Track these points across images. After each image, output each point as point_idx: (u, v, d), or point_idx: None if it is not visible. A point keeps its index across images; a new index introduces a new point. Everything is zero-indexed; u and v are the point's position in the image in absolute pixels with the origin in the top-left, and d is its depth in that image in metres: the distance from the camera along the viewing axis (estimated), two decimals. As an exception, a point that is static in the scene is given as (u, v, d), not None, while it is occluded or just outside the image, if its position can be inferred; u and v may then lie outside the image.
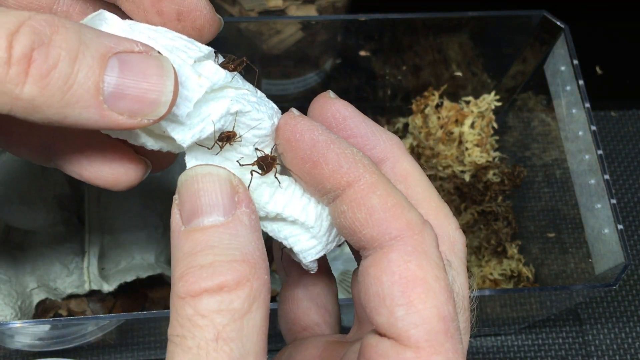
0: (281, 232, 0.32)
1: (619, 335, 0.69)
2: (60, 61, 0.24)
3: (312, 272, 0.34)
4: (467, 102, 0.74)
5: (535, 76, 0.67)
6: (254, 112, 0.30)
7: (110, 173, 0.34)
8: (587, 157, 0.57)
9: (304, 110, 0.34)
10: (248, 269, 0.26)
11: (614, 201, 0.53)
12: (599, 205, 0.54)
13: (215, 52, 0.32)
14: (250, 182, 0.31)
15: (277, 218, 0.32)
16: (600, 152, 0.55)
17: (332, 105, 0.32)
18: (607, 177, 0.54)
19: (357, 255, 0.35)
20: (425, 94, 0.74)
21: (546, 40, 0.63)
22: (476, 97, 0.74)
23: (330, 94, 0.32)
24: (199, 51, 0.30)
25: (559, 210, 0.66)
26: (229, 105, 0.29)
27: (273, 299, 0.62)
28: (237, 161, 0.31)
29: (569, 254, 0.63)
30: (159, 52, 0.27)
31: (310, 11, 0.67)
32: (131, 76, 0.26)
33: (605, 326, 0.69)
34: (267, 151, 0.31)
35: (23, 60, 0.24)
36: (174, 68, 0.27)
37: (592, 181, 0.56)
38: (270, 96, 0.33)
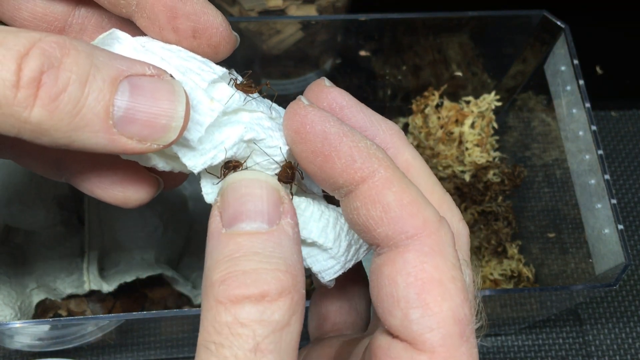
0: (305, 232, 0.32)
1: (619, 336, 0.69)
2: (70, 85, 0.24)
3: (329, 287, 0.33)
4: (467, 102, 0.74)
5: (535, 76, 0.67)
6: (268, 139, 0.29)
7: (121, 191, 0.33)
8: (587, 157, 0.57)
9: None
10: (291, 281, 0.25)
11: (614, 201, 0.53)
12: (599, 205, 0.54)
13: (229, 71, 0.31)
14: None
15: None
16: (600, 152, 0.55)
17: (327, 94, 0.30)
18: (607, 177, 0.54)
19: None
20: (425, 94, 0.74)
21: (546, 40, 0.63)
22: (476, 97, 0.74)
23: (325, 81, 0.31)
24: (212, 73, 0.29)
25: (559, 210, 0.66)
26: (242, 133, 0.29)
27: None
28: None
29: (569, 254, 0.63)
30: (171, 76, 0.27)
31: (310, 11, 0.67)
32: (142, 100, 0.25)
33: (606, 326, 0.69)
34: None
35: (32, 83, 0.23)
36: (185, 93, 0.26)
37: (593, 181, 0.55)
38: (270, 96, 0.33)
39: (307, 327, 0.39)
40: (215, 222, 0.27)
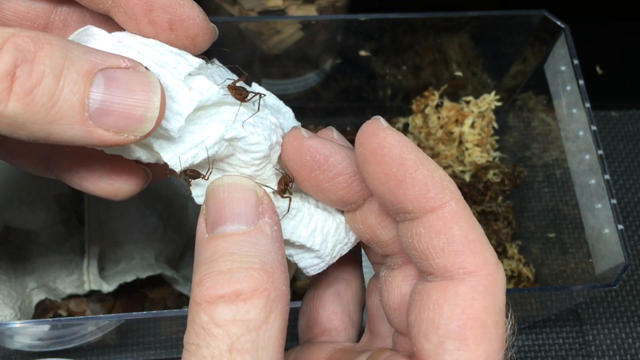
0: (286, 250, 0.33)
1: (619, 336, 0.69)
2: (44, 78, 0.24)
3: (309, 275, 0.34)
4: (467, 102, 0.74)
5: (535, 76, 0.67)
6: (249, 136, 0.29)
7: (109, 183, 0.33)
8: (587, 157, 0.57)
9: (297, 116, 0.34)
10: (265, 278, 0.25)
11: (614, 201, 0.53)
12: (599, 205, 0.54)
13: (211, 61, 0.31)
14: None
15: (285, 242, 0.32)
16: (600, 152, 0.55)
17: (309, 147, 0.30)
18: (607, 177, 0.54)
19: (376, 264, 0.34)
20: (426, 94, 0.74)
21: (546, 40, 0.63)
22: (476, 97, 0.74)
23: (302, 132, 0.30)
24: (189, 65, 0.29)
25: (559, 210, 0.66)
26: (223, 132, 0.29)
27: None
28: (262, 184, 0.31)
29: (569, 254, 0.63)
30: (146, 68, 0.27)
31: (310, 11, 0.67)
32: (117, 92, 0.26)
33: (606, 326, 0.69)
34: (267, 170, 0.31)
35: (6, 77, 0.23)
36: (160, 83, 0.27)
37: (593, 181, 0.55)
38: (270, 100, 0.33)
39: (297, 327, 0.39)
40: (200, 229, 0.27)
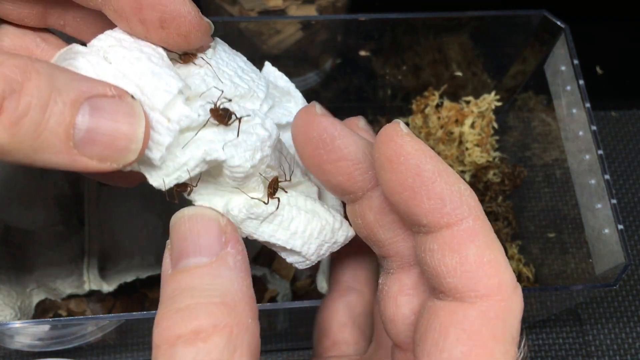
0: (272, 248, 0.33)
1: (619, 336, 0.69)
2: (31, 109, 0.24)
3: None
4: (467, 102, 0.74)
5: (535, 76, 0.67)
6: (229, 159, 0.29)
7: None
8: (587, 157, 0.56)
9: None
10: (226, 312, 0.24)
11: (614, 201, 0.53)
12: (599, 205, 0.54)
13: (181, 55, 0.31)
14: (237, 218, 0.31)
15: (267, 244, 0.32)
16: (600, 152, 0.55)
17: (318, 124, 0.29)
18: (607, 177, 0.54)
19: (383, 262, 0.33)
20: (426, 94, 0.74)
21: (546, 40, 0.63)
22: (476, 97, 0.74)
23: (317, 108, 0.29)
24: (168, 93, 0.28)
25: (559, 210, 0.66)
26: (203, 156, 0.28)
27: (273, 298, 0.62)
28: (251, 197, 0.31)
29: (569, 254, 0.63)
30: (132, 97, 0.27)
31: (310, 11, 0.67)
32: (102, 122, 0.25)
33: (606, 326, 0.69)
34: (251, 181, 0.30)
35: None
36: (145, 114, 0.27)
37: (593, 181, 0.55)
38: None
39: (313, 339, 0.38)
40: (165, 264, 0.26)
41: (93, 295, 0.61)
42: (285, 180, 0.32)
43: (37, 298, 0.59)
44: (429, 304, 0.26)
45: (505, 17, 0.63)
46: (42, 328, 0.54)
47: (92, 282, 0.59)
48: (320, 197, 0.35)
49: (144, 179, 0.31)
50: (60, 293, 0.60)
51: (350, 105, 0.74)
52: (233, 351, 0.23)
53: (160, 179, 0.29)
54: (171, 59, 0.31)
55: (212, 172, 0.30)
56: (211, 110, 0.29)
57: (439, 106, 0.74)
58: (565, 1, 0.69)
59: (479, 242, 0.24)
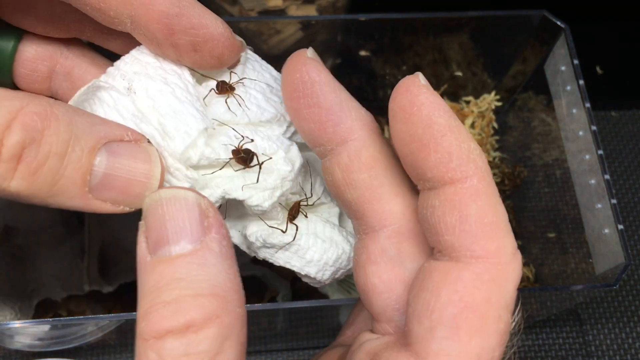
0: (289, 263, 0.32)
1: (619, 336, 0.69)
2: (49, 158, 0.24)
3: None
4: (467, 102, 0.74)
5: (535, 76, 0.67)
6: (248, 199, 0.29)
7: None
8: (587, 157, 0.56)
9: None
10: (217, 304, 0.23)
11: (614, 201, 0.53)
12: (599, 205, 0.54)
13: (218, 84, 0.30)
14: (255, 244, 0.31)
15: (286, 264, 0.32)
16: (600, 152, 0.55)
17: (302, 66, 0.28)
18: (607, 177, 0.54)
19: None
20: (426, 94, 0.74)
21: (546, 40, 0.62)
22: (476, 97, 0.74)
23: (309, 52, 0.28)
24: (187, 136, 0.27)
25: (559, 210, 0.66)
26: (222, 194, 0.28)
27: (273, 298, 0.62)
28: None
29: (569, 254, 0.63)
30: (148, 141, 0.27)
31: (310, 11, 0.67)
32: (118, 169, 0.25)
33: (606, 326, 0.69)
34: (272, 211, 0.30)
35: (13, 158, 0.23)
36: (161, 160, 0.26)
37: (593, 181, 0.55)
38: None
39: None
40: (141, 250, 0.25)
41: (93, 295, 0.61)
42: (307, 204, 0.32)
43: (37, 298, 0.59)
44: (425, 265, 0.25)
45: (505, 17, 0.63)
46: (42, 328, 0.54)
47: (92, 282, 0.59)
48: (341, 219, 0.35)
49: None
50: (60, 293, 0.60)
51: (350, 105, 0.73)
52: (223, 341, 0.23)
53: None
54: (200, 81, 0.31)
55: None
56: (233, 152, 0.29)
57: (439, 106, 0.74)
58: (565, 1, 0.69)
59: (481, 203, 0.24)
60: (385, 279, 0.27)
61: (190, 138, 0.27)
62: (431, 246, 0.26)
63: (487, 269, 0.23)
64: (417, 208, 0.27)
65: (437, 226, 0.24)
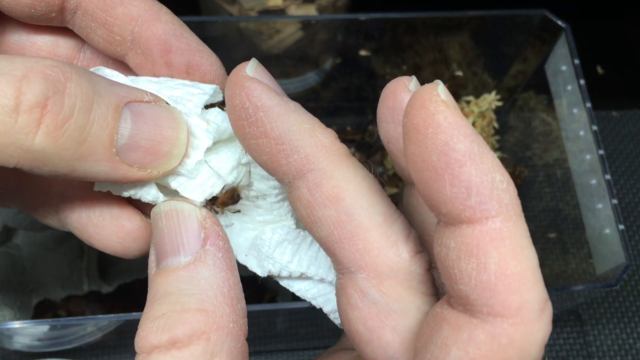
0: (309, 292, 0.30)
1: (620, 336, 0.68)
2: (76, 111, 0.22)
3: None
4: (468, 102, 0.74)
5: (536, 76, 0.67)
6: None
7: (117, 242, 0.32)
8: (588, 157, 0.56)
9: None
10: (203, 319, 0.22)
11: (615, 201, 0.53)
12: (600, 206, 0.54)
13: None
14: (271, 240, 0.29)
15: (303, 277, 0.29)
16: (601, 152, 0.55)
17: (242, 90, 0.24)
18: (608, 177, 0.54)
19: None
20: (426, 93, 0.73)
21: (547, 40, 0.62)
22: (477, 96, 0.74)
23: (247, 68, 0.24)
24: (203, 94, 0.28)
25: (560, 210, 0.66)
26: (239, 157, 0.28)
27: (273, 298, 0.62)
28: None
29: (570, 254, 0.63)
30: (167, 103, 0.26)
31: (310, 11, 0.67)
32: (145, 128, 0.25)
33: (607, 327, 0.69)
34: (285, 204, 0.29)
35: (36, 109, 0.22)
36: (185, 119, 0.26)
37: (593, 181, 0.55)
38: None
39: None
40: (150, 262, 0.25)
41: (92, 295, 0.61)
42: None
43: (36, 298, 0.59)
44: (436, 310, 0.22)
45: (506, 16, 0.63)
46: (42, 328, 0.54)
47: (91, 282, 0.59)
48: None
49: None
50: (59, 293, 0.60)
51: (350, 105, 0.73)
52: (211, 358, 0.22)
53: (195, 191, 0.27)
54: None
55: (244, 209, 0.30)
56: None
57: (439, 106, 0.74)
58: (565, 1, 0.69)
59: (504, 249, 0.20)
60: (371, 327, 0.24)
61: (206, 95, 0.28)
62: (445, 289, 0.22)
63: (505, 330, 0.20)
64: (400, 235, 0.24)
65: (451, 271, 0.20)
